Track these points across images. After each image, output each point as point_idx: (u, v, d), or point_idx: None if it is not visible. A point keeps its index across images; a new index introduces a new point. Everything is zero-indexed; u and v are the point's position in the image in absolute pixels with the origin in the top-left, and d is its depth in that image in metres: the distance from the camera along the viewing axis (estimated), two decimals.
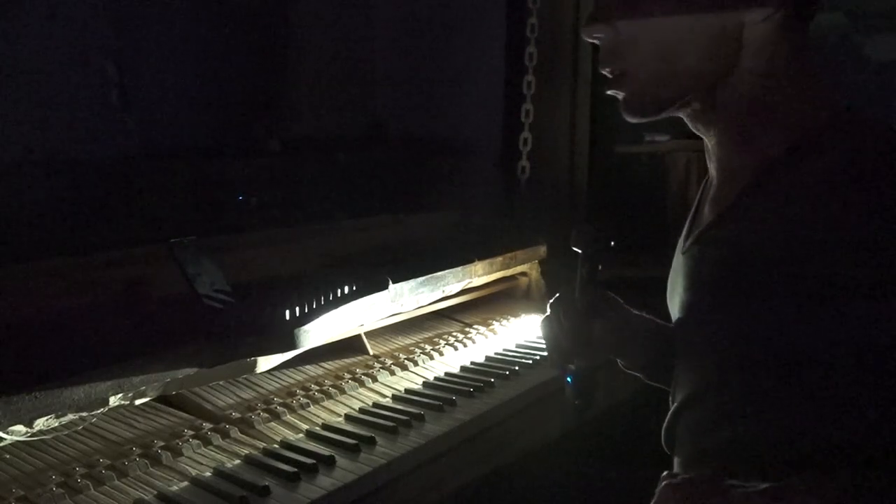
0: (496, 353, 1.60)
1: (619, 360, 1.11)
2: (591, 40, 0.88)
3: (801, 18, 0.85)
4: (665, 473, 0.81)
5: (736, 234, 0.87)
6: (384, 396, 1.35)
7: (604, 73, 0.89)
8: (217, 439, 1.14)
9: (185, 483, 1.03)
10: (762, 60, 0.84)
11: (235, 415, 1.22)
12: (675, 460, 0.99)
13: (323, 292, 1.28)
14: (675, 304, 0.99)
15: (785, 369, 0.81)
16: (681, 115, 0.91)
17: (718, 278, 0.89)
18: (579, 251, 1.00)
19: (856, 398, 0.78)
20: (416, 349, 1.57)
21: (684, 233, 1.00)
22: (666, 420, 1.00)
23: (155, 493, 1.00)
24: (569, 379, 1.00)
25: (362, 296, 1.33)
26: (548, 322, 1.04)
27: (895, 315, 0.74)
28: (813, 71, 0.86)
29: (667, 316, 1.06)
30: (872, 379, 0.77)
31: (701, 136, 0.93)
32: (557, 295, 1.06)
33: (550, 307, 1.05)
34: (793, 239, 0.79)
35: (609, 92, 0.90)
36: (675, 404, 0.98)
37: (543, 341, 1.07)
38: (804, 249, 0.78)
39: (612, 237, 1.00)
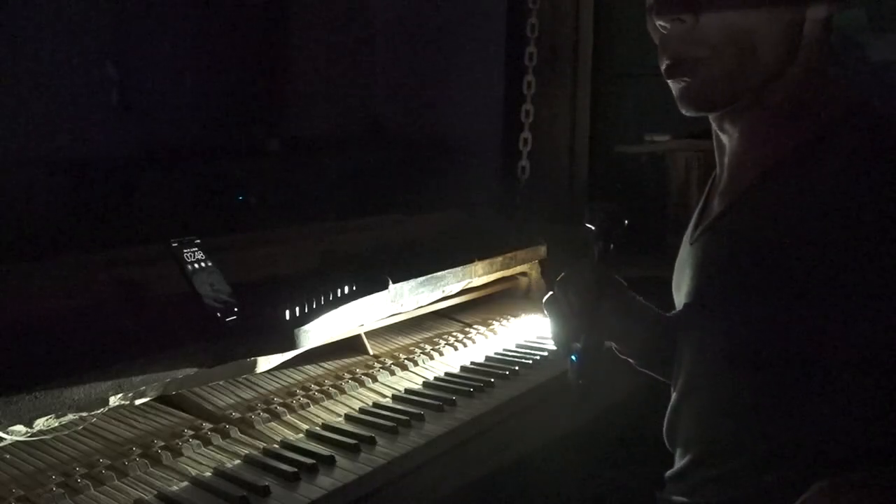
0: (496, 353, 1.59)
1: (613, 344, 1.10)
2: (665, 24, 0.85)
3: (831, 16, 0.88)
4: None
5: (746, 224, 0.88)
6: (384, 396, 1.35)
7: (663, 62, 0.88)
8: (217, 439, 1.14)
9: (185, 483, 1.03)
10: (811, 56, 0.86)
11: (235, 415, 1.22)
12: (677, 453, 0.99)
13: (323, 292, 1.28)
14: (681, 293, 0.99)
15: (791, 361, 0.82)
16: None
17: (727, 266, 0.90)
18: (592, 228, 0.98)
19: (857, 394, 0.79)
20: (416, 349, 1.57)
21: (692, 224, 1.01)
22: (667, 413, 1.00)
23: (155, 493, 1.00)
24: (573, 358, 0.96)
25: (362, 296, 1.33)
26: (553, 300, 1.03)
27: None
28: (828, 67, 0.88)
29: (666, 311, 1.07)
30: (874, 377, 0.77)
31: (722, 132, 0.93)
32: (564, 274, 1.04)
33: (557, 286, 1.03)
34: (804, 230, 0.80)
35: (671, 80, 0.88)
36: (676, 395, 0.98)
37: (549, 320, 1.05)
38: (815, 242, 0.79)
39: (625, 216, 0.99)
